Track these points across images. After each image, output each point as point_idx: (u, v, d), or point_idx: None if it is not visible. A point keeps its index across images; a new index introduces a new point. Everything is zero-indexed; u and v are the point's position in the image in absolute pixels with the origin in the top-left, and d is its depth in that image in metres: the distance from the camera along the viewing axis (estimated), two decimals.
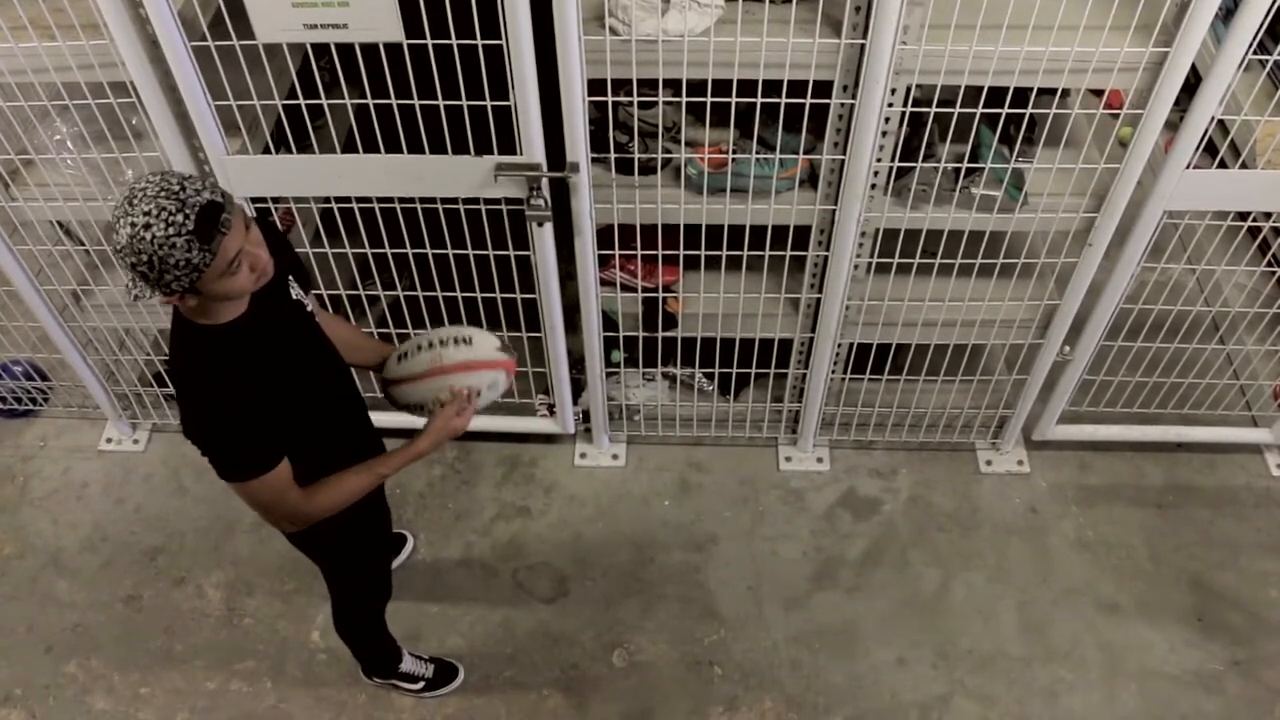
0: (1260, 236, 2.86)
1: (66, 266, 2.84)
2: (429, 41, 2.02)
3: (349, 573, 2.36)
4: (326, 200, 2.52)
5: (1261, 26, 1.98)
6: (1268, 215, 2.91)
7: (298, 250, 2.60)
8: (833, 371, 2.96)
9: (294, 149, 2.37)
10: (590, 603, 2.96)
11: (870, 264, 2.63)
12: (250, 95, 2.20)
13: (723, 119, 2.35)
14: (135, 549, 3.10)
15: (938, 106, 2.21)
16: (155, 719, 2.76)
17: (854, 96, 2.18)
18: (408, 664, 2.73)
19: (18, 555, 3.10)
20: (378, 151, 2.29)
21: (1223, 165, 2.38)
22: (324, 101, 2.25)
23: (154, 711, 2.78)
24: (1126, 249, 2.51)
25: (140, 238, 1.44)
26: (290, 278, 1.84)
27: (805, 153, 2.40)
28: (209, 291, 1.55)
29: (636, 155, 2.44)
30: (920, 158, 2.35)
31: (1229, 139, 2.43)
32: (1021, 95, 2.19)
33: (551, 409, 3.17)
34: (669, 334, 2.87)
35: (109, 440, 3.37)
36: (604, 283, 2.79)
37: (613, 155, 2.42)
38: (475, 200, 2.42)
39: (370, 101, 2.18)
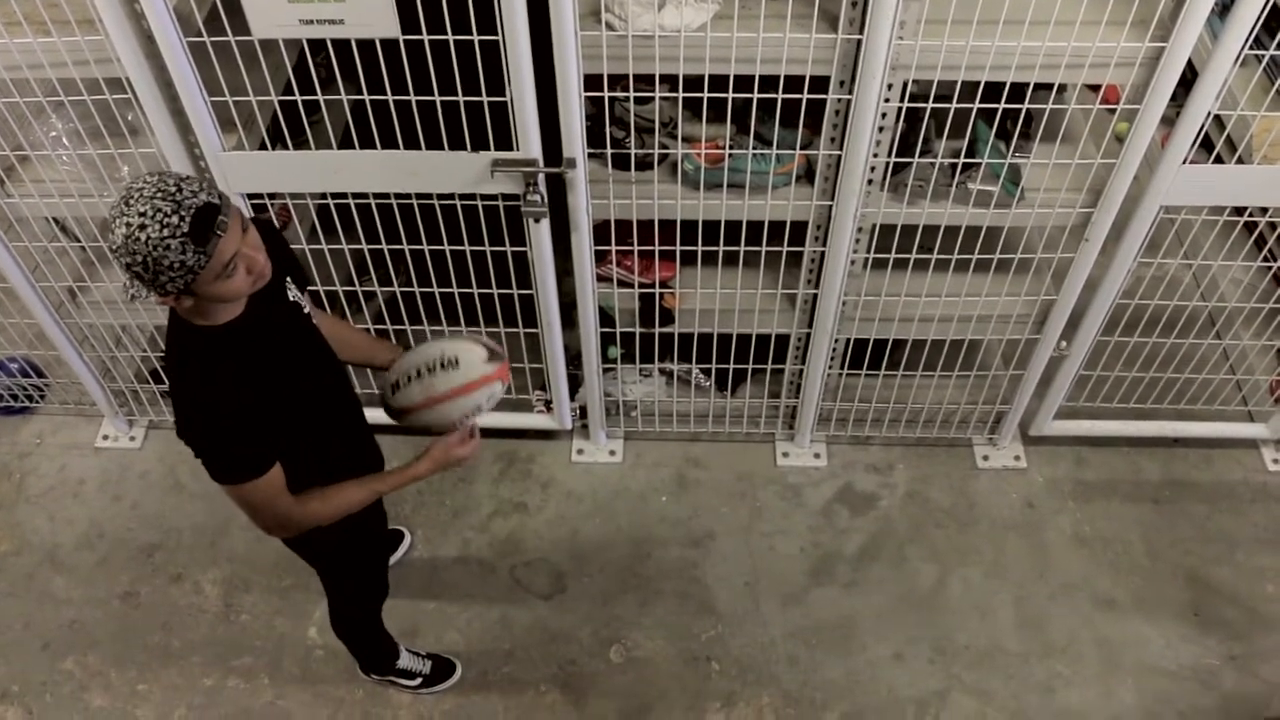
0: (1256, 231, 2.86)
1: (62, 263, 2.84)
2: (425, 37, 2.02)
3: (345, 573, 2.35)
4: (323, 196, 2.51)
5: (1258, 21, 1.98)
6: (1264, 210, 2.91)
7: (294, 246, 2.61)
8: (830, 367, 2.96)
9: (290, 145, 2.37)
10: (588, 599, 2.97)
11: (867, 259, 2.63)
12: (246, 91, 2.19)
13: (719, 114, 2.34)
14: (132, 546, 3.10)
15: (934, 101, 2.21)
16: (153, 716, 2.76)
17: (850, 92, 2.18)
18: (405, 660, 2.73)
19: (14, 552, 3.09)
20: (374, 147, 2.29)
21: (1219, 160, 2.38)
22: (320, 97, 2.25)
23: (151, 708, 2.78)
24: (1123, 244, 2.51)
25: (135, 238, 1.43)
26: (288, 279, 1.84)
27: (802, 148, 2.40)
28: (204, 293, 1.54)
29: (633, 151, 2.44)
30: (917, 153, 2.35)
31: (1225, 134, 2.43)
32: (1018, 90, 2.19)
33: (549, 405, 3.17)
34: (666, 330, 2.87)
35: (105, 437, 3.37)
36: (601, 278, 2.78)
37: (609, 151, 2.42)
38: (472, 196, 2.41)
39: (366, 97, 2.18)
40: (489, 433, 3.25)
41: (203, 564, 3.05)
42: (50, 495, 3.23)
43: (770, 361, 2.97)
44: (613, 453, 3.30)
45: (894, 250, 2.55)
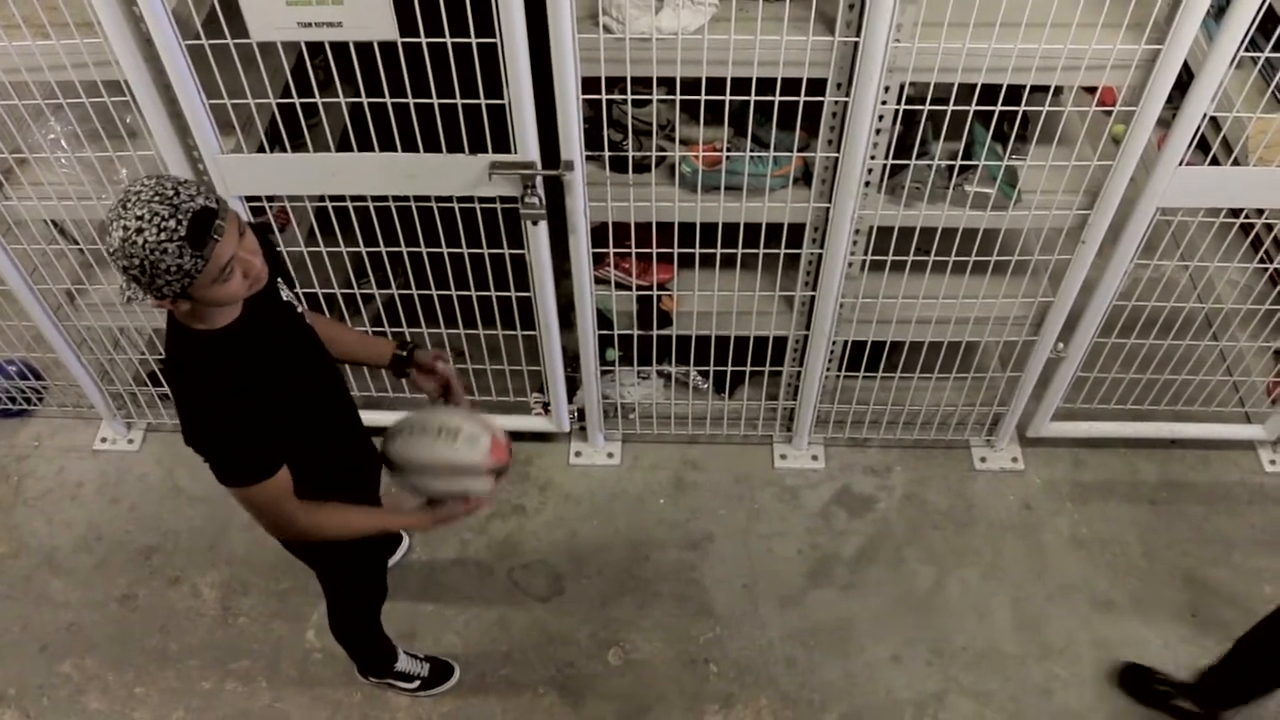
0: (1253, 233, 2.87)
1: (61, 266, 2.84)
2: (423, 40, 2.02)
3: (343, 575, 2.35)
4: (321, 199, 2.52)
5: (1253, 24, 1.99)
6: (1260, 212, 2.92)
7: (292, 249, 2.62)
8: (827, 369, 2.97)
9: (288, 148, 2.37)
10: (586, 601, 2.97)
11: (864, 261, 2.63)
12: (245, 94, 2.20)
13: (717, 117, 2.35)
14: (130, 548, 3.10)
15: (931, 104, 2.21)
16: (150, 719, 2.76)
17: (848, 94, 2.19)
18: (403, 663, 2.72)
19: (12, 555, 3.09)
20: (372, 150, 2.29)
21: (1215, 162, 2.39)
22: (318, 100, 2.25)
23: (149, 711, 2.77)
24: (1120, 246, 2.52)
25: (132, 242, 1.43)
26: (279, 280, 1.84)
27: (799, 150, 2.41)
28: (201, 297, 1.55)
29: (631, 153, 2.44)
30: (914, 155, 2.36)
31: (1221, 136, 2.44)
32: (1015, 93, 2.20)
33: (546, 407, 3.18)
34: (664, 332, 2.87)
35: (104, 440, 3.36)
36: (599, 281, 2.79)
37: (607, 153, 2.42)
38: (470, 199, 2.42)
39: (365, 100, 2.18)
40: None
41: (201, 567, 3.05)
42: (48, 498, 3.23)
43: (768, 364, 2.97)
44: (611, 455, 3.30)
45: (891, 252, 2.55)
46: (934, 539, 3.08)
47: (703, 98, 2.19)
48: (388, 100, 2.17)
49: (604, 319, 2.86)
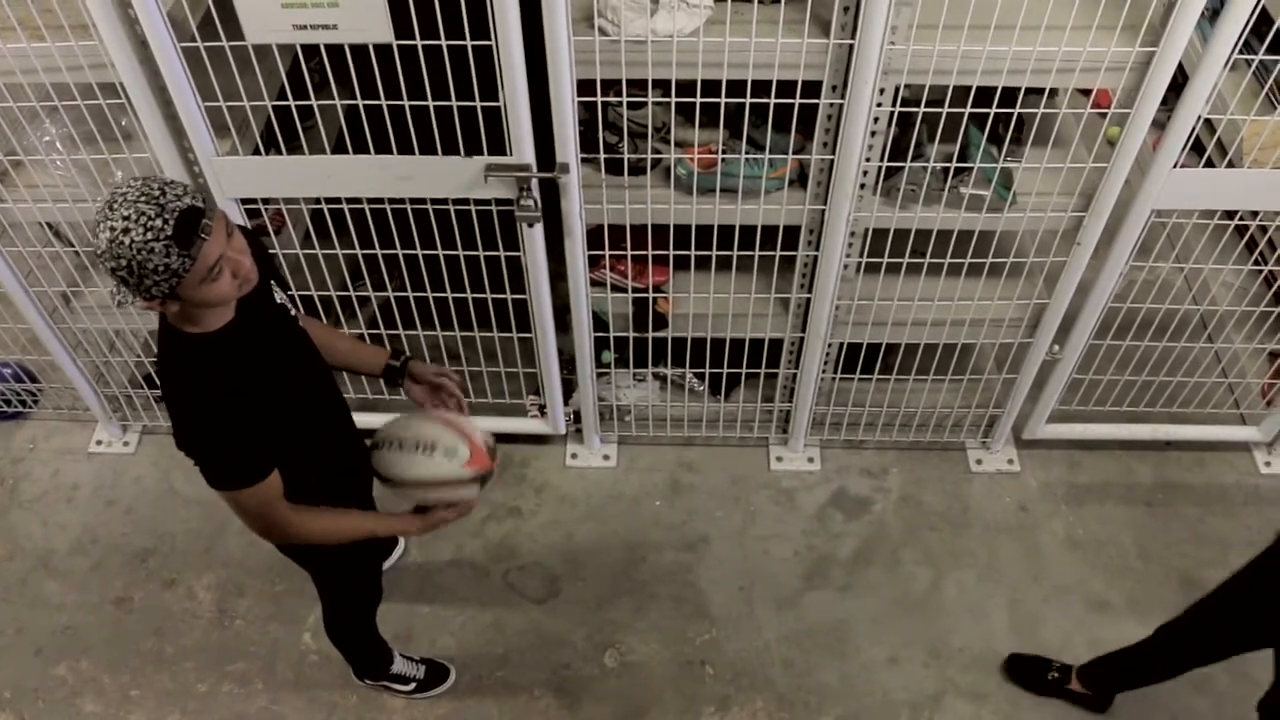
0: (1247, 235, 2.88)
1: (56, 268, 2.83)
2: (418, 42, 2.02)
3: (338, 577, 2.35)
4: (316, 201, 2.52)
5: (1247, 26, 1.99)
6: (1254, 214, 2.92)
7: (288, 252, 2.62)
8: (823, 371, 2.97)
9: (284, 150, 2.37)
10: (582, 603, 2.97)
11: (860, 264, 2.64)
12: (240, 96, 2.20)
13: (712, 119, 2.35)
14: (125, 551, 3.09)
15: (926, 106, 2.22)
16: None
17: (843, 96, 2.19)
18: (399, 665, 2.72)
19: (7, 557, 3.09)
20: (368, 152, 2.29)
21: (1210, 164, 2.39)
22: (314, 102, 2.25)
23: (144, 714, 2.77)
24: (1115, 248, 2.52)
25: (119, 242, 1.43)
26: (271, 282, 1.84)
27: (794, 153, 2.41)
28: (190, 298, 1.54)
29: (626, 155, 2.44)
30: (909, 157, 2.36)
31: (1216, 138, 2.44)
32: (1010, 95, 2.20)
33: (542, 410, 3.17)
34: (659, 334, 2.87)
35: (99, 442, 3.36)
36: (594, 283, 2.79)
37: (602, 155, 2.42)
38: (465, 201, 2.42)
39: (360, 102, 2.18)
40: None
41: (196, 569, 3.04)
42: (43, 500, 3.22)
43: (764, 366, 2.98)
44: (606, 457, 3.30)
45: (887, 254, 2.55)
46: (930, 541, 3.08)
47: (698, 100, 2.20)
48: (383, 103, 2.17)
49: (600, 321, 2.86)
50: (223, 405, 1.64)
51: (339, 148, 2.40)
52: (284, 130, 2.36)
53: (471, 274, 2.63)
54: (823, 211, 2.46)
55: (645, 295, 2.83)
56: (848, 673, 2.82)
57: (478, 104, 2.15)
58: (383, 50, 2.06)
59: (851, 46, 2.09)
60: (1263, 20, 2.10)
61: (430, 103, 2.15)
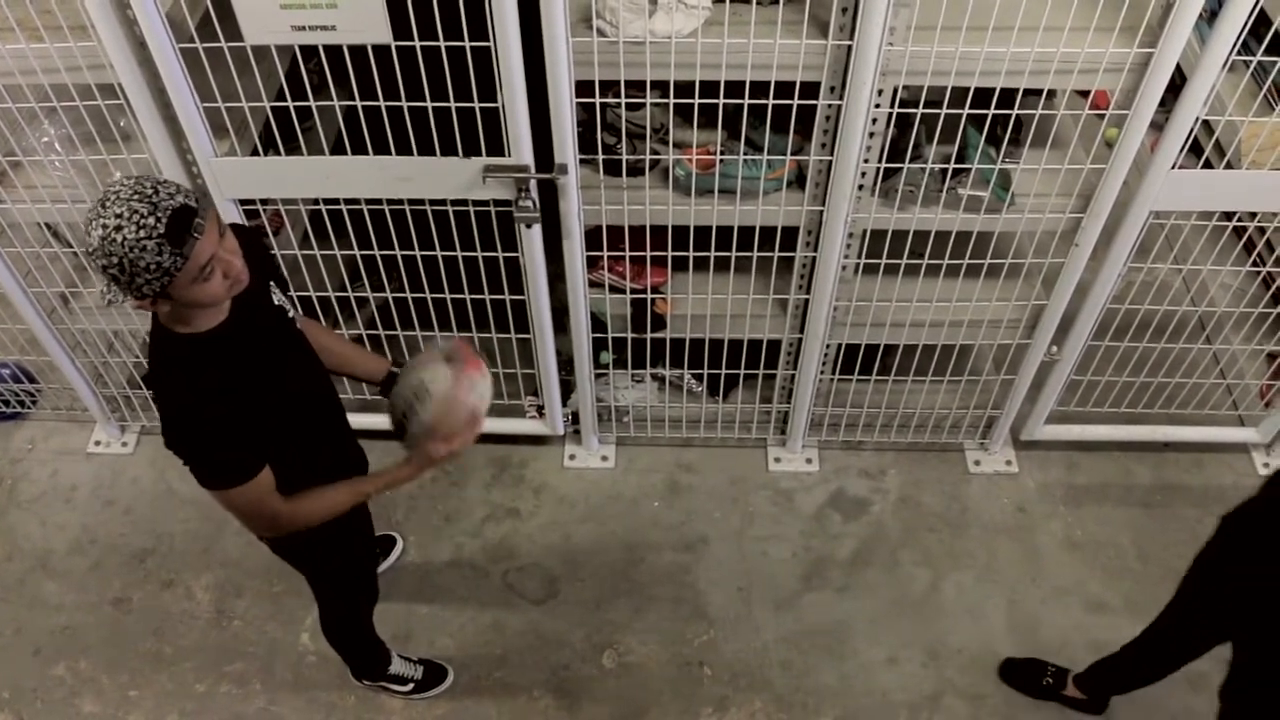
0: (1245, 236, 2.88)
1: (55, 269, 2.84)
2: (417, 43, 2.03)
3: (332, 577, 2.35)
4: (315, 202, 2.52)
5: (1245, 27, 1.99)
6: (1253, 215, 2.93)
7: (286, 253, 2.62)
8: (821, 372, 2.97)
9: (282, 151, 2.37)
10: (580, 604, 2.97)
11: (858, 265, 2.64)
12: (238, 97, 2.20)
13: (710, 120, 2.35)
14: (124, 551, 3.09)
15: (924, 107, 2.22)
16: None
17: (841, 97, 2.19)
18: (397, 666, 2.72)
19: (6, 558, 3.09)
20: (366, 153, 2.29)
21: (1208, 165, 2.39)
22: (312, 103, 2.25)
23: (143, 714, 2.77)
24: (1113, 249, 2.53)
25: (111, 240, 1.43)
26: (271, 284, 1.84)
27: (793, 154, 2.41)
28: (181, 297, 1.54)
29: (624, 157, 2.44)
30: (907, 158, 2.36)
31: (1214, 139, 2.44)
32: (1008, 96, 2.20)
33: (541, 410, 3.17)
34: (658, 335, 2.87)
35: (97, 443, 3.36)
36: (593, 284, 2.79)
37: (601, 157, 2.42)
38: (464, 202, 2.42)
39: (358, 103, 2.18)
40: (482, 438, 3.24)
41: (195, 569, 3.04)
42: (42, 501, 3.22)
43: (762, 367, 2.98)
44: (605, 458, 3.30)
45: (885, 255, 2.55)
46: (929, 542, 3.08)
47: (696, 101, 2.20)
48: (381, 103, 2.17)
49: (598, 322, 2.86)
50: (213, 405, 1.64)
51: (337, 149, 2.40)
52: (283, 131, 2.36)
53: (470, 275, 2.63)
54: (821, 212, 2.46)
55: (644, 296, 2.83)
56: (846, 673, 2.82)
57: (476, 105, 2.15)
58: (381, 51, 2.06)
59: (850, 47, 2.09)
60: (1261, 21, 2.10)
61: (429, 104, 2.15)
